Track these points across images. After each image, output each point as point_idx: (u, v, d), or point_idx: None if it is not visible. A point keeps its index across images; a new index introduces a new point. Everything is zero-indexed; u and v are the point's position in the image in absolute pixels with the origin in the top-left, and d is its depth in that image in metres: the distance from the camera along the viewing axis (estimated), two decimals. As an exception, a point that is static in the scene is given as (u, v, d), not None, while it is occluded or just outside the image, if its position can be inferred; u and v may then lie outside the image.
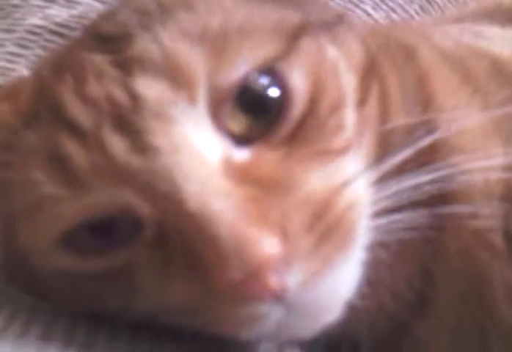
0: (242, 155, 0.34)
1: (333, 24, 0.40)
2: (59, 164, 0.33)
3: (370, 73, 0.39)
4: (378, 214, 0.36)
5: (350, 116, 0.36)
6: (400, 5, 0.81)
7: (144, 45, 0.34)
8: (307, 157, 0.34)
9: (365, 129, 0.37)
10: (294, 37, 0.36)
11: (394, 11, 0.79)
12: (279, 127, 0.34)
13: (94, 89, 0.33)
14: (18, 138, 0.35)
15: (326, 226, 0.32)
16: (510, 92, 0.43)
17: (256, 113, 0.34)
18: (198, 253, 0.31)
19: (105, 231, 0.34)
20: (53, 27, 0.59)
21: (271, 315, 0.32)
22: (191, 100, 0.33)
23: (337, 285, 0.33)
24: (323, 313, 0.34)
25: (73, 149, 0.33)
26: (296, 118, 0.34)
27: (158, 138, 0.32)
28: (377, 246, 0.37)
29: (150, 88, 0.33)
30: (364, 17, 0.76)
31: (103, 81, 0.33)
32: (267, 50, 0.35)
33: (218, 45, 0.34)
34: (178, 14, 0.36)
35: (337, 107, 0.36)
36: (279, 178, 0.33)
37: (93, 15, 0.63)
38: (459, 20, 0.67)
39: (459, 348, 0.40)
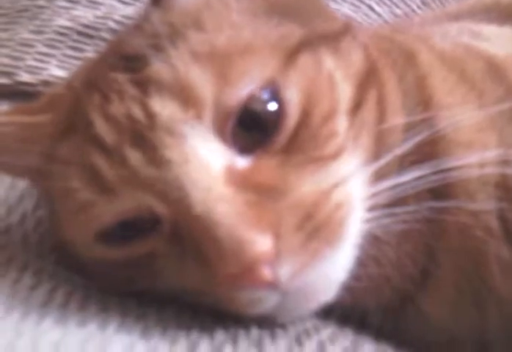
0: (243, 163, 0.38)
1: (336, 35, 0.45)
2: (92, 174, 0.39)
3: (368, 80, 0.43)
4: (376, 207, 0.41)
5: (342, 123, 0.41)
6: (402, 0, 0.85)
7: (158, 67, 0.38)
8: (301, 164, 0.39)
9: (361, 131, 0.41)
10: (294, 52, 0.40)
11: (397, 6, 0.83)
12: (275, 138, 0.39)
13: (116, 108, 0.38)
14: (57, 149, 0.41)
15: (314, 225, 0.37)
16: (504, 90, 0.47)
17: (256, 125, 0.39)
18: (203, 249, 0.37)
19: (132, 227, 0.39)
20: (80, 28, 0.63)
21: (268, 299, 0.38)
22: (199, 117, 0.38)
23: (327, 273, 0.38)
24: (315, 297, 0.39)
25: (101, 162, 0.38)
26: (291, 129, 0.39)
27: (170, 152, 0.37)
28: (381, 230, 0.41)
29: (164, 107, 0.37)
30: (369, 12, 0.80)
31: (124, 100, 0.38)
32: (269, 68, 0.39)
33: (224, 64, 0.38)
34: (188, 34, 0.40)
35: (329, 116, 0.40)
36: (275, 184, 0.38)
37: (116, 16, 0.67)
38: (458, 16, 0.68)
39: (459, 317, 0.45)
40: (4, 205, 0.53)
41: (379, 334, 0.47)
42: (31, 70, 0.63)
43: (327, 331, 0.41)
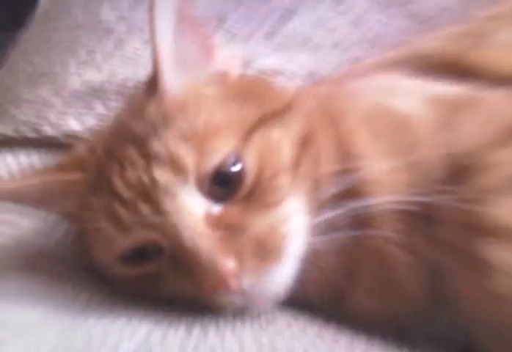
0: (217, 209, 0.56)
1: (283, 110, 0.61)
2: (114, 218, 0.57)
3: (307, 141, 0.59)
4: (315, 232, 0.58)
5: (286, 177, 0.57)
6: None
7: (157, 145, 0.55)
8: (257, 208, 0.56)
9: (301, 181, 0.58)
10: (251, 129, 0.58)
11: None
12: (239, 191, 0.56)
13: (130, 174, 0.56)
14: (89, 200, 0.59)
15: (265, 251, 0.55)
16: (408, 143, 0.60)
17: (226, 182, 0.56)
18: (192, 269, 0.55)
19: (142, 253, 0.58)
20: (90, 91, 0.77)
21: (237, 300, 0.56)
22: (185, 180, 0.55)
23: (275, 282, 0.56)
24: (268, 297, 0.57)
25: (121, 211, 0.56)
26: (249, 184, 0.56)
27: (167, 205, 0.55)
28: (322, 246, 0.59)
29: (162, 175, 0.55)
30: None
31: (135, 169, 0.56)
32: (234, 143, 0.56)
33: (202, 142, 0.56)
34: (177, 119, 0.57)
35: (275, 174, 0.57)
36: (238, 224, 0.55)
37: (118, 80, 0.82)
38: (391, 65, 0.77)
39: (383, 305, 0.60)
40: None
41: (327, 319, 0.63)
42: (53, 125, 0.79)
43: (282, 318, 0.59)
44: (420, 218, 0.57)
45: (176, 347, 0.52)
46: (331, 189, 0.58)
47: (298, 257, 0.57)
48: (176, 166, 0.55)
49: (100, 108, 0.77)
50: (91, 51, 0.85)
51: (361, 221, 0.58)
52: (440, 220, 0.57)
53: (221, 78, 0.65)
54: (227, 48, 0.82)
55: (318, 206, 0.58)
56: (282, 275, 0.57)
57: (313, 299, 0.62)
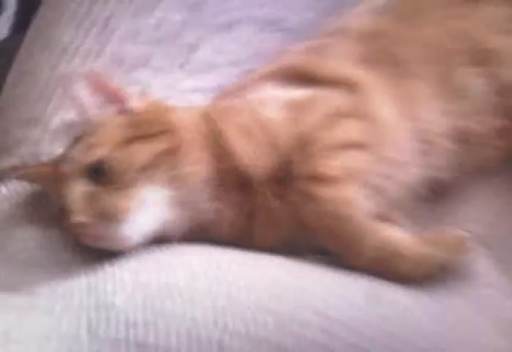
0: (91, 189, 0.86)
1: (157, 132, 0.90)
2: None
3: (171, 152, 0.88)
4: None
5: (133, 173, 0.86)
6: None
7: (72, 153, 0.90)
8: (112, 190, 0.86)
9: (159, 175, 0.88)
10: (124, 143, 0.90)
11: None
12: (103, 179, 0.87)
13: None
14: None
15: (109, 215, 0.83)
16: (270, 137, 0.90)
17: (99, 173, 0.86)
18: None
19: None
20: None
21: (92, 242, 0.84)
22: (77, 172, 0.88)
23: (120, 230, 0.83)
24: (123, 238, 0.84)
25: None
26: (110, 176, 0.87)
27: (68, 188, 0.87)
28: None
29: (67, 168, 0.89)
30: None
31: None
32: (107, 150, 0.89)
33: (91, 149, 0.89)
34: (86, 138, 0.91)
35: (126, 170, 0.87)
36: (99, 198, 0.85)
37: None
38: (268, 77, 1.04)
39: (274, 234, 0.92)
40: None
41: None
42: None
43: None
44: (280, 179, 0.89)
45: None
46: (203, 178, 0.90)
47: (153, 217, 0.85)
48: (73, 164, 0.86)
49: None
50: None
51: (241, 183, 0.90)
52: (294, 176, 0.89)
53: (127, 112, 0.92)
54: (155, 80, 1.15)
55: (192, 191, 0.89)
56: (125, 228, 0.83)
57: (225, 237, 0.91)
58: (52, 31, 1.09)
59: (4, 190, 1.00)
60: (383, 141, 0.95)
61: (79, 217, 0.80)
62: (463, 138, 1.03)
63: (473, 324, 0.82)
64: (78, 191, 0.83)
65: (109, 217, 0.81)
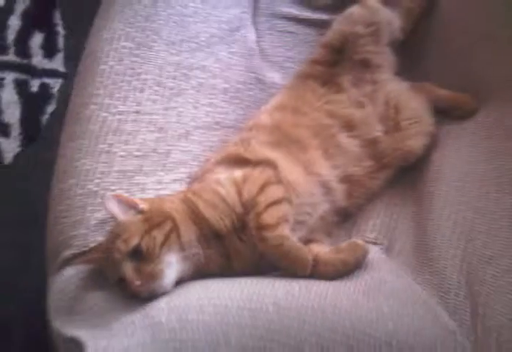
0: (135, 264, 1.33)
1: (160, 221, 1.36)
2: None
3: (171, 231, 1.35)
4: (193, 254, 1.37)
5: (157, 250, 1.33)
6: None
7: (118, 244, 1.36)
8: (148, 262, 1.33)
9: (169, 246, 1.35)
10: (146, 231, 1.38)
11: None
12: (141, 258, 1.33)
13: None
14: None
15: (152, 277, 1.30)
16: (226, 204, 1.41)
17: (139, 253, 1.32)
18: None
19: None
20: None
21: (141, 292, 1.29)
22: (125, 255, 1.32)
23: (158, 285, 1.31)
24: (157, 289, 1.30)
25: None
26: (144, 255, 1.34)
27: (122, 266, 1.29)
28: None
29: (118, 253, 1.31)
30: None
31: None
32: (138, 238, 1.35)
33: (128, 239, 1.36)
34: (119, 237, 1.39)
35: (153, 249, 1.34)
36: (143, 269, 1.31)
37: None
38: (221, 162, 1.55)
39: (246, 267, 1.42)
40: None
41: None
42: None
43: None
44: (240, 229, 1.40)
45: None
46: (194, 238, 1.38)
47: (176, 271, 1.31)
48: (120, 252, 1.29)
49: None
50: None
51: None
52: (249, 227, 1.37)
53: (140, 212, 1.35)
54: (148, 179, 1.72)
55: (191, 247, 1.34)
56: (162, 282, 1.27)
57: (214, 270, 1.38)
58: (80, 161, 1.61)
59: (70, 271, 1.47)
60: (297, 193, 1.45)
61: (135, 282, 1.22)
62: (349, 179, 1.58)
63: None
64: (129, 267, 1.25)
65: (152, 277, 1.25)
